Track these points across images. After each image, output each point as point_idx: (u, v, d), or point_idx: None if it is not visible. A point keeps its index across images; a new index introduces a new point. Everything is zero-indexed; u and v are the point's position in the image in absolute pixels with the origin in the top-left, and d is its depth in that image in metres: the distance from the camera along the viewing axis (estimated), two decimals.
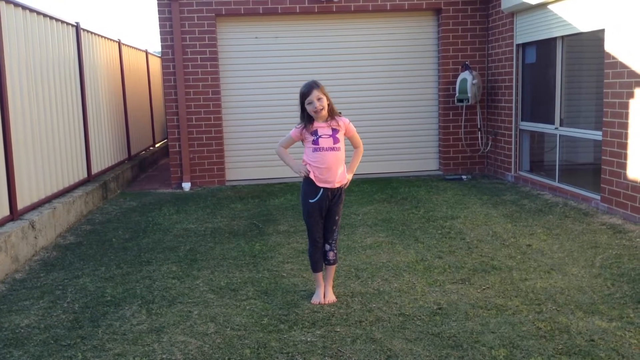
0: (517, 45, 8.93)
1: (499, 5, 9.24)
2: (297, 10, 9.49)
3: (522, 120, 9.05)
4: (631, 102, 6.36)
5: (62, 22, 7.69)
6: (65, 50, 7.77)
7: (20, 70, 6.25)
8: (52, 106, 7.14)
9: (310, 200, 4.28)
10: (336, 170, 4.23)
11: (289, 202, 8.05)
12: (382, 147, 10.04)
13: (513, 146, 9.15)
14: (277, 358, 3.51)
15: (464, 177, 9.52)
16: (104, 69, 9.69)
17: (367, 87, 9.95)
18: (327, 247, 4.39)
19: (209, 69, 9.49)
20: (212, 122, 9.59)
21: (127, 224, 7.06)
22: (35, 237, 5.93)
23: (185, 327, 3.99)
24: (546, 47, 8.31)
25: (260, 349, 3.64)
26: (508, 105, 9.23)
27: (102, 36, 9.64)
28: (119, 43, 10.81)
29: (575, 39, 7.78)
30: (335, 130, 4.22)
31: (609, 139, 6.77)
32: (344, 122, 4.27)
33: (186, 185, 9.44)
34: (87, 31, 8.79)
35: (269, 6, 9.43)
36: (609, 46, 6.69)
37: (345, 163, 4.34)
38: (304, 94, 4.14)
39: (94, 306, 4.45)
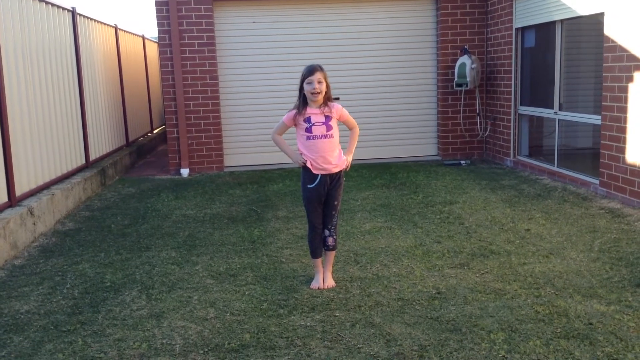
0: (517, 29, 8.87)
1: None
2: None
3: (521, 104, 9.02)
4: (630, 86, 6.34)
5: (58, 7, 7.62)
6: (62, 36, 7.71)
7: (16, 55, 6.20)
8: (49, 92, 7.10)
9: (308, 186, 4.28)
10: (331, 155, 4.22)
11: (287, 187, 8.04)
12: (380, 132, 10.01)
13: (512, 131, 9.12)
14: (277, 343, 3.53)
15: (462, 162, 9.51)
16: (101, 54, 9.63)
17: (365, 72, 9.89)
18: (327, 232, 4.39)
19: (206, 54, 9.42)
20: (210, 107, 9.55)
21: (125, 210, 7.05)
22: (34, 224, 5.92)
23: (185, 313, 4.00)
24: (545, 31, 8.25)
25: (259, 333, 3.65)
26: (507, 90, 9.19)
27: (98, 21, 9.58)
28: (116, 28, 10.74)
29: (575, 22, 7.73)
30: (328, 117, 4.20)
31: (607, 123, 6.75)
32: (337, 108, 4.25)
33: (184, 172, 9.43)
34: (84, 16, 8.73)
35: None
36: (609, 30, 6.65)
37: (342, 147, 4.33)
38: (306, 74, 4.12)
39: (94, 292, 4.46)
